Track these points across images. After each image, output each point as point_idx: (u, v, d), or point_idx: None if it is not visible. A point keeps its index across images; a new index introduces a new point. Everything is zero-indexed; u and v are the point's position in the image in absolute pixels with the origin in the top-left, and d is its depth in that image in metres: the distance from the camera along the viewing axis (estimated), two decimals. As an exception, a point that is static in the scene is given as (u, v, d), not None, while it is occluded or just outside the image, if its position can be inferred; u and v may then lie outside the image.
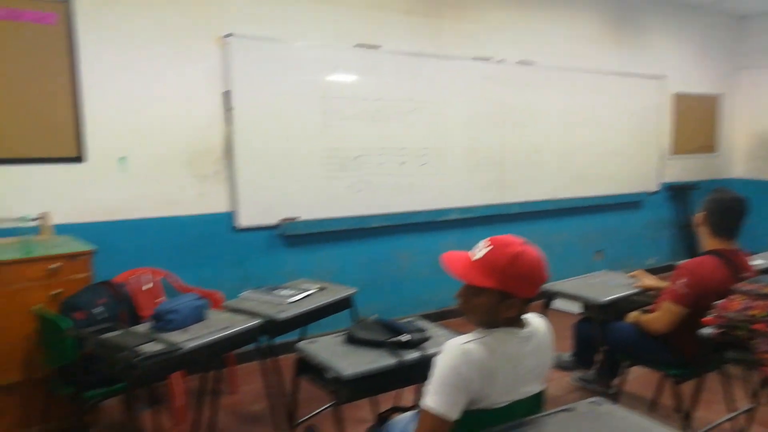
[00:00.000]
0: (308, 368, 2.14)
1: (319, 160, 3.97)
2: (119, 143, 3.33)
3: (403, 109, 4.28)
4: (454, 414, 1.53)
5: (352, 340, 2.15)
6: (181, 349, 2.12)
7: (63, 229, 3.13)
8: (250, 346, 2.55)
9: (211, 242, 3.67)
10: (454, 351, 1.55)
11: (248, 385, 3.50)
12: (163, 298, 3.32)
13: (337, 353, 2.07)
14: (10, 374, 2.62)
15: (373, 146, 4.17)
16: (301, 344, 2.17)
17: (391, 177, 4.28)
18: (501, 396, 1.61)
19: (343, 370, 1.93)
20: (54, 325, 2.42)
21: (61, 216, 3.14)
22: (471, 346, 1.56)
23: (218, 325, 2.36)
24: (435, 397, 1.53)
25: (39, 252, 2.71)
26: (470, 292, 1.63)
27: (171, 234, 3.53)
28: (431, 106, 4.42)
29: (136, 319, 2.70)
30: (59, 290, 2.69)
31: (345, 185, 4.09)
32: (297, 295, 2.75)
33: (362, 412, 2.91)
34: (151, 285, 3.34)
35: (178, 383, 3.00)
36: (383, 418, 2.07)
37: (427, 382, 1.63)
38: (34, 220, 2.99)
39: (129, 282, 3.09)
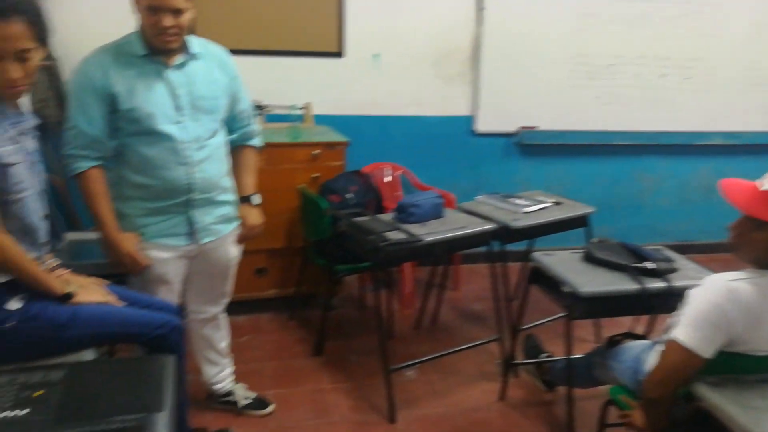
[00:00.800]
0: (540, 278, 2.14)
1: (566, 67, 3.72)
2: (374, 41, 3.48)
3: (670, 14, 3.76)
4: (707, 352, 1.41)
5: (591, 259, 2.07)
6: (421, 240, 2.26)
7: (321, 120, 3.45)
8: (480, 249, 2.61)
9: (449, 144, 3.75)
10: (718, 287, 1.41)
11: (470, 285, 3.65)
12: (400, 193, 3.54)
13: (574, 269, 2.02)
14: (276, 241, 3.06)
15: (630, 54, 3.77)
16: (537, 255, 2.16)
17: (647, 90, 3.87)
18: (765, 343, 1.44)
19: (580, 286, 1.88)
20: (314, 204, 2.74)
21: (320, 107, 3.45)
22: (740, 284, 1.40)
23: (455, 224, 2.45)
24: (689, 330, 1.42)
25: (304, 138, 3.04)
26: (750, 225, 1.44)
27: (413, 133, 3.67)
28: (706, 10, 3.80)
29: (380, 209, 2.92)
30: (317, 174, 3.02)
31: (592, 96, 3.81)
32: (532, 206, 2.71)
33: (584, 331, 2.86)
34: (390, 179, 3.57)
35: (410, 272, 3.23)
36: (614, 342, 2.00)
37: (674, 314, 1.53)
38: (300, 109, 3.34)
39: (373, 174, 3.33)
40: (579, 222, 2.79)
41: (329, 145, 3.03)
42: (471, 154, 3.80)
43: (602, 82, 3.78)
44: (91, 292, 1.55)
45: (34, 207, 1.40)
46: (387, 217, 2.52)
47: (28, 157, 1.39)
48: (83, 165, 1.78)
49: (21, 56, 1.29)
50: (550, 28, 3.62)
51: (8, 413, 1.07)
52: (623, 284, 1.91)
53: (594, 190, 3.97)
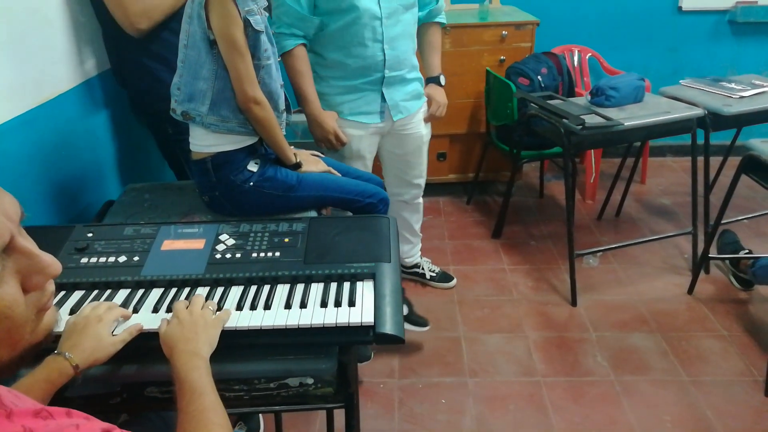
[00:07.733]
0: (756, 168, 1.96)
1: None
2: None
3: None
4: None
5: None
6: (620, 125, 2.15)
7: (505, 1, 3.30)
8: (669, 141, 2.43)
9: (648, 24, 3.40)
10: None
11: (657, 179, 3.45)
12: (587, 78, 3.35)
13: (801, 158, 1.83)
14: (459, 126, 3.10)
15: None
16: (755, 142, 1.98)
17: None
18: None
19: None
20: (502, 87, 2.71)
21: (505, -13, 3.29)
22: None
23: (657, 109, 2.29)
24: None
25: (492, 19, 2.95)
26: None
27: (607, 11, 3.38)
28: None
29: (572, 94, 2.81)
30: (503, 57, 2.94)
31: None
32: (749, 90, 2.43)
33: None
34: (577, 62, 3.37)
35: (597, 161, 3.10)
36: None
37: None
38: (486, -12, 3.22)
39: (564, 56, 3.16)
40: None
41: (517, 26, 2.92)
42: (672, 35, 3.43)
43: None
44: (314, 163, 1.72)
45: (275, 75, 1.55)
46: (581, 100, 2.43)
47: (268, 30, 1.52)
48: (290, 43, 1.88)
49: None
50: None
51: (265, 254, 1.28)
52: None
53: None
